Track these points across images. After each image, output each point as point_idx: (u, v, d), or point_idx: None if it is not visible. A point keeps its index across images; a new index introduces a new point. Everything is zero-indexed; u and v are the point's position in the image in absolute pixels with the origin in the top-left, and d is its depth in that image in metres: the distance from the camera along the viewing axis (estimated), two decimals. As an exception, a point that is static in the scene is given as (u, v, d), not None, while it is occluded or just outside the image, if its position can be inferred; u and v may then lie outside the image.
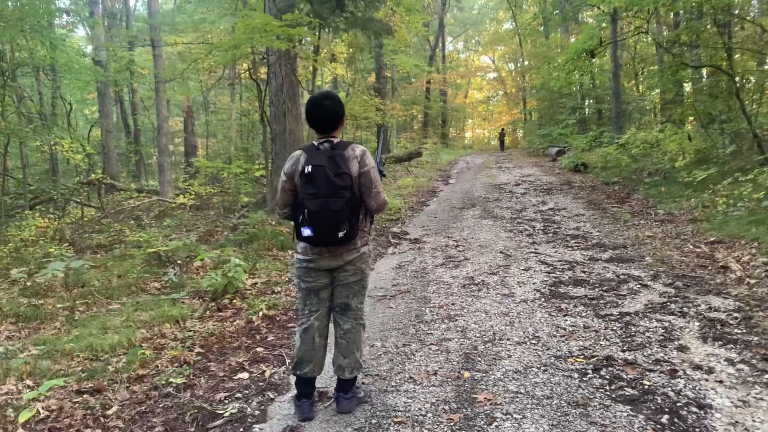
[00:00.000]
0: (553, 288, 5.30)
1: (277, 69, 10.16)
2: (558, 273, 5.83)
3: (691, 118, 15.82)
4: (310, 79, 22.20)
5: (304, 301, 3.13)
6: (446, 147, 35.12)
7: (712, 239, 6.65)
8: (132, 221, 11.74)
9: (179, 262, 6.69)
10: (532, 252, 6.86)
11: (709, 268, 5.66)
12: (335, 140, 3.00)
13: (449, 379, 3.44)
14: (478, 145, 46.39)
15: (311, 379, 3.14)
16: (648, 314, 4.44)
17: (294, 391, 3.24)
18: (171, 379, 3.67)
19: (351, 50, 24.58)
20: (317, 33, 11.25)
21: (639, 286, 5.23)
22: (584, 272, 5.82)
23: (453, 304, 4.93)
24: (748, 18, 12.02)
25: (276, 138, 10.32)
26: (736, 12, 11.28)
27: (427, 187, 15.26)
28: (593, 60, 14.48)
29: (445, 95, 39.68)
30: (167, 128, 19.52)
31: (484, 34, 49.44)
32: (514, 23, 38.64)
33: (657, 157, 14.10)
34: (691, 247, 6.54)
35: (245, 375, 3.77)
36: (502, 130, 36.36)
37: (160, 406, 3.37)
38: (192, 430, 3.07)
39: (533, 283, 5.49)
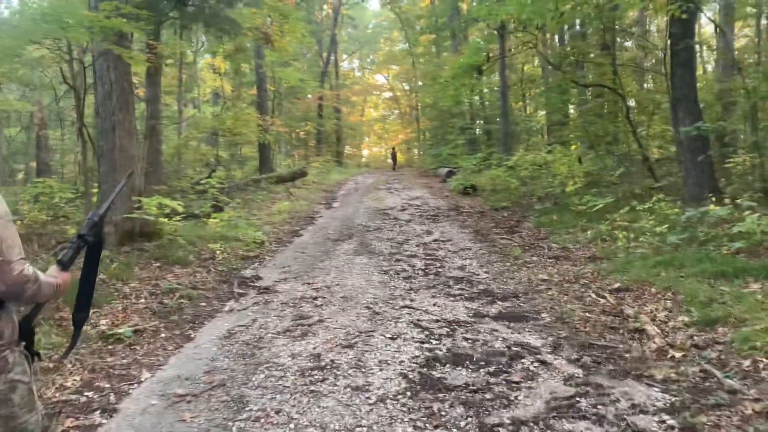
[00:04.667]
0: (424, 371, 3.85)
1: (105, 73, 8.19)
2: (434, 341, 4.42)
3: (576, 142, 15.48)
4: (182, 89, 19.98)
5: None
6: (340, 165, 33.84)
7: (617, 285, 5.56)
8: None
9: None
10: (405, 306, 5.43)
11: (621, 330, 4.47)
12: None
13: None
14: (375, 163, 45.63)
15: None
16: (553, 420, 3.09)
17: None
18: None
19: (230, 62, 22.56)
20: (161, 30, 9.30)
21: (537, 364, 3.90)
22: (467, 339, 4.45)
23: (278, 412, 3.33)
24: (633, 33, 11.60)
25: (103, 157, 8.29)
26: (631, 30, 10.76)
27: (306, 212, 13.64)
28: (481, 76, 13.66)
29: (339, 112, 38.42)
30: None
31: (379, 53, 48.93)
32: (407, 43, 38.24)
33: (546, 180, 13.41)
34: (593, 296, 5.39)
35: None
36: (393, 149, 35.79)
37: None
38: None
39: (400, 362, 4.01)
